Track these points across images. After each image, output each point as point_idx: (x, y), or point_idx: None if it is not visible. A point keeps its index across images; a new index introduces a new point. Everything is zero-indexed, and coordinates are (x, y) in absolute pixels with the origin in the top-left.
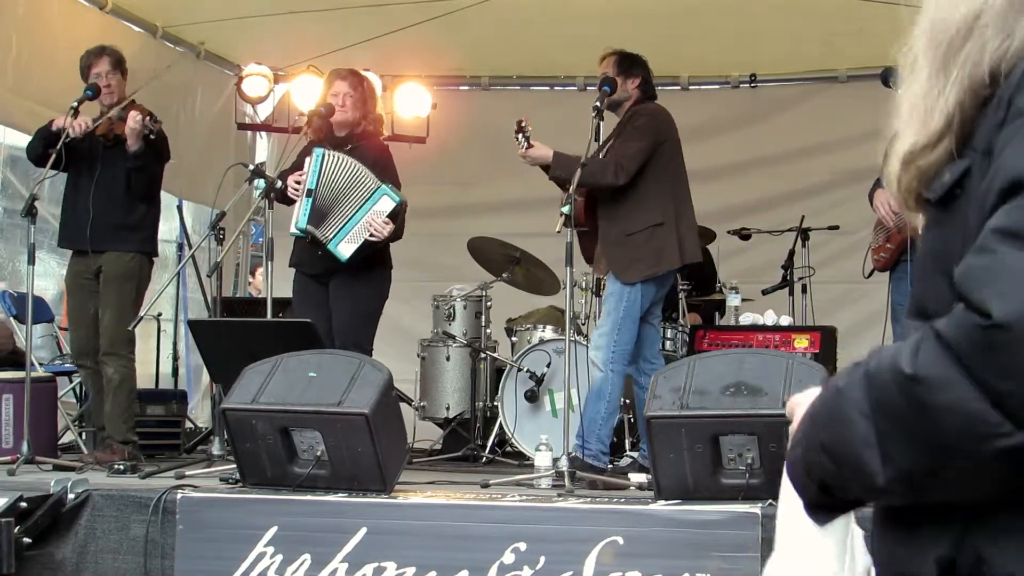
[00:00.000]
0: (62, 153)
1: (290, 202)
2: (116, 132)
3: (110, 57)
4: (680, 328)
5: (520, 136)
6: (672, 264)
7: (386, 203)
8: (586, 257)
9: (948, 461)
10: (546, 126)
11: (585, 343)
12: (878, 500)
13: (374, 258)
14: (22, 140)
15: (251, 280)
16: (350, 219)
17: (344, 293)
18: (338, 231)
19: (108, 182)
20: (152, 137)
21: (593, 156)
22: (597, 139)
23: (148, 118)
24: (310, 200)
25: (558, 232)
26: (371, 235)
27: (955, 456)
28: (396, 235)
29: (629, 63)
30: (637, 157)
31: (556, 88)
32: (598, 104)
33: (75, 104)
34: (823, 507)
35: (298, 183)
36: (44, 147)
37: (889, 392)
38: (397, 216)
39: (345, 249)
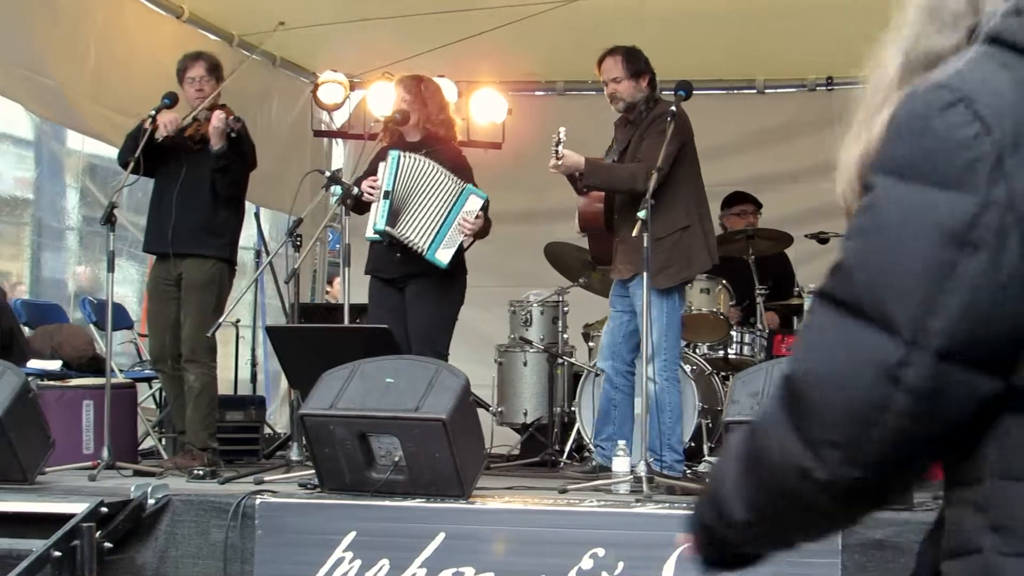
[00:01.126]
0: (140, 161)
1: (365, 210)
2: (202, 132)
3: (206, 62)
4: (758, 332)
5: (555, 147)
6: (704, 266)
7: (475, 202)
8: (597, 259)
9: (781, 499)
10: None
11: None
12: (743, 546)
13: (451, 264)
14: (101, 149)
15: (329, 290)
16: (443, 225)
17: (421, 298)
18: (433, 239)
19: (192, 185)
20: (233, 135)
21: (616, 160)
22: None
23: (231, 117)
24: (387, 202)
25: (635, 236)
26: (464, 235)
27: (784, 493)
28: (485, 231)
29: (637, 60)
30: (669, 160)
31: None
32: (673, 109)
33: (153, 112)
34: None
35: (373, 187)
36: (135, 150)
37: (747, 435)
38: (485, 212)
39: (443, 256)
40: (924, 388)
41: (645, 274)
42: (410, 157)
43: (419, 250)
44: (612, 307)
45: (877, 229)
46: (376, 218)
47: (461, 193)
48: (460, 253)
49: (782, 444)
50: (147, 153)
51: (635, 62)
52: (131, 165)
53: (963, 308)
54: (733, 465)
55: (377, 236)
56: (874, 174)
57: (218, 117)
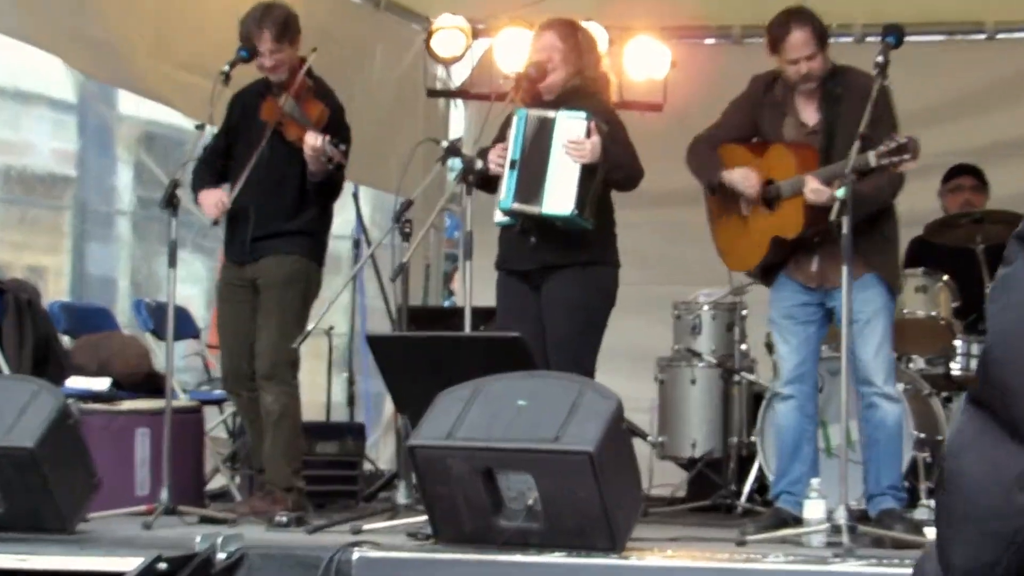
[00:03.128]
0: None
1: (493, 188)
2: (286, 133)
3: (272, 28)
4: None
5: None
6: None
7: (572, 126)
8: (729, 255)
9: None
10: None
11: None
12: None
13: (595, 253)
14: (160, 114)
15: (449, 287)
16: (547, 168)
17: (560, 297)
18: (542, 191)
19: (275, 176)
20: (332, 167)
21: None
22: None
23: (329, 141)
24: (514, 173)
25: (832, 220)
26: (574, 161)
27: None
28: (615, 163)
29: (822, 25)
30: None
31: (828, 40)
32: (880, 60)
33: (227, 69)
34: None
35: (502, 158)
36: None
37: None
38: (590, 132)
39: (562, 202)
40: None
41: (845, 270)
42: (536, 113)
43: (534, 213)
44: (791, 318)
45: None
46: (504, 194)
47: (554, 123)
48: (587, 194)
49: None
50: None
51: (822, 28)
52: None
53: None
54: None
55: (507, 219)
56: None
57: (312, 146)
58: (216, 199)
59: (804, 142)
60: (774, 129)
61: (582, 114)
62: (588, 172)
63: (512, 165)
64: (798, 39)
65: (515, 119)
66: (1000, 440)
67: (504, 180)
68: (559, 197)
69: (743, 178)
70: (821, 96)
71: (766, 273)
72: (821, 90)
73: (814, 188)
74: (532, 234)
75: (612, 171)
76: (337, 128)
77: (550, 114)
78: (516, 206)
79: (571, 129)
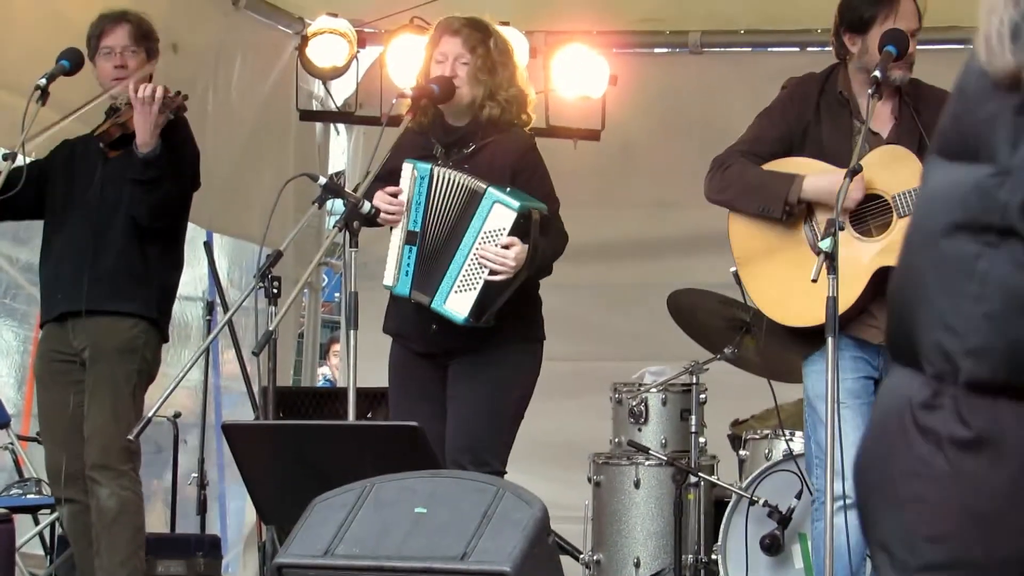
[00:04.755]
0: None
1: (379, 225)
2: (125, 130)
3: (132, 26)
4: None
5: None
6: None
7: (501, 216)
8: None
9: None
10: None
11: None
12: None
13: (514, 325)
14: None
15: (326, 363)
16: (455, 255)
17: (470, 385)
18: (442, 280)
19: (107, 213)
20: (172, 116)
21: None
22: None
23: (170, 93)
24: (413, 249)
25: (814, 281)
26: (490, 272)
27: None
28: (540, 265)
29: None
30: None
31: (810, 49)
32: (877, 74)
33: (42, 82)
34: None
35: (394, 204)
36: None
37: None
38: (527, 232)
39: (458, 305)
40: (962, 437)
41: (830, 339)
42: (447, 176)
43: (423, 302)
44: (856, 397)
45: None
46: (397, 273)
47: (480, 202)
48: (495, 299)
49: None
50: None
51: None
52: None
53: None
54: None
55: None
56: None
57: (145, 90)
58: None
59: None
60: (837, 138)
61: (516, 202)
62: (499, 284)
63: (410, 238)
64: (910, 6)
65: (416, 173)
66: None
67: (397, 254)
68: (456, 299)
69: (836, 186)
70: (900, 101)
71: (812, 334)
72: (899, 95)
73: None
74: (433, 319)
75: (535, 274)
76: (176, 128)
77: (478, 185)
78: (416, 295)
79: (498, 218)
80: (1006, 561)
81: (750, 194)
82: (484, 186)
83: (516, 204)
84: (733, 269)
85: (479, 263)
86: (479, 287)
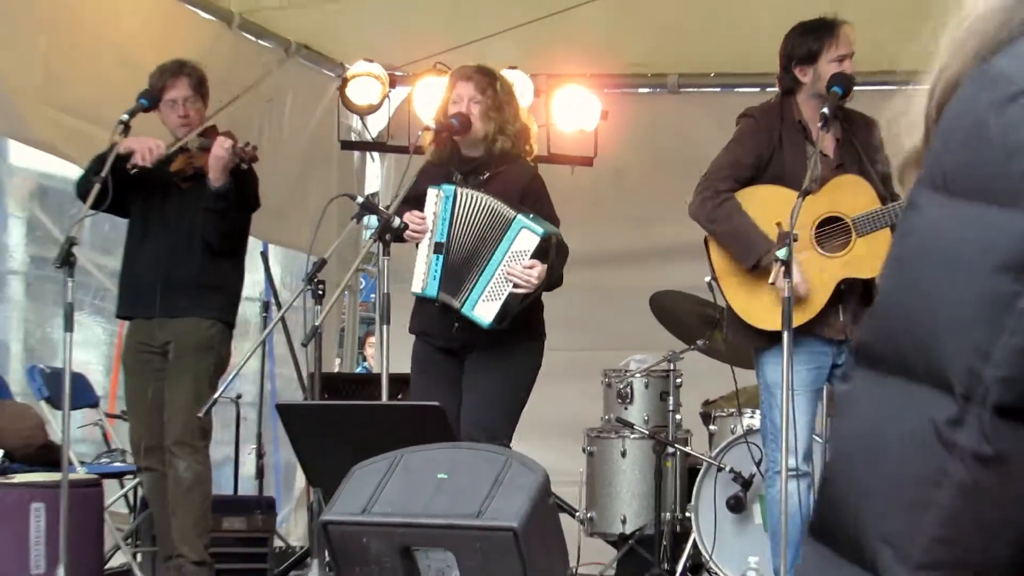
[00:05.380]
0: (107, 187)
1: (406, 241)
2: (196, 166)
3: (190, 78)
4: None
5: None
6: None
7: (526, 239)
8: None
9: None
10: None
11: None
12: None
13: (522, 325)
14: (54, 166)
15: (363, 352)
16: (485, 269)
17: (484, 374)
18: (472, 288)
19: (186, 232)
20: (244, 167)
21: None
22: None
23: (240, 144)
24: (440, 258)
25: (772, 284)
26: (515, 286)
27: None
28: (553, 281)
29: None
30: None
31: (768, 89)
32: (826, 111)
33: (125, 117)
34: None
35: (418, 228)
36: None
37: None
38: (546, 253)
39: (485, 311)
40: (987, 451)
41: (786, 333)
42: (469, 196)
43: (457, 307)
44: (809, 386)
45: (917, 259)
46: (426, 278)
47: (510, 226)
48: (516, 308)
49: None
50: (117, 182)
51: None
52: (92, 194)
53: None
54: None
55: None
56: (917, 188)
57: (222, 145)
58: (152, 143)
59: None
60: (798, 162)
61: (541, 229)
62: (520, 296)
63: (437, 248)
64: (848, 32)
65: (442, 194)
66: (913, 392)
67: (425, 262)
68: (483, 306)
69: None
70: (839, 125)
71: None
72: (836, 119)
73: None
74: (455, 317)
75: (547, 288)
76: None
77: (507, 212)
78: (443, 297)
79: (525, 241)
80: (1005, 566)
81: (732, 240)
82: (513, 213)
83: (540, 231)
84: (708, 279)
85: (505, 278)
86: (503, 298)
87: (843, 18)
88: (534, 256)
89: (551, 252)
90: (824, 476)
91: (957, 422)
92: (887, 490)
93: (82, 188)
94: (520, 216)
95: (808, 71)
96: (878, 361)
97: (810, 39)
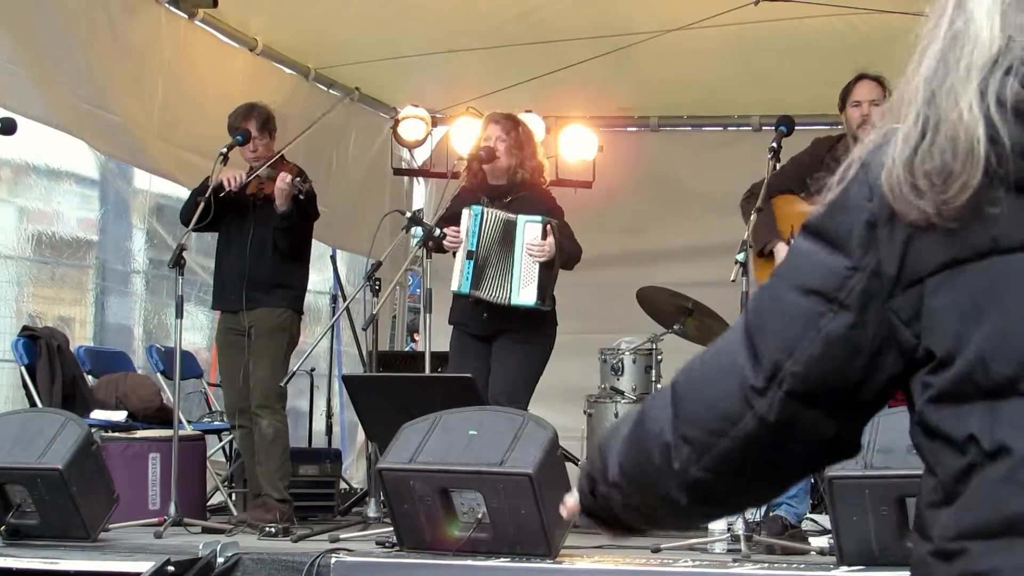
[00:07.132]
0: (211, 202)
1: (446, 250)
2: (265, 192)
3: (257, 120)
4: None
5: None
6: None
7: (532, 229)
8: None
9: (645, 473)
10: (720, 168)
11: None
12: (617, 510)
13: (539, 318)
14: (168, 188)
15: (412, 335)
16: (513, 264)
17: (508, 353)
18: (509, 286)
19: (260, 241)
20: (302, 197)
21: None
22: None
23: (298, 178)
24: (471, 263)
25: (733, 281)
26: (535, 261)
27: (649, 468)
28: (572, 254)
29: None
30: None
31: (730, 128)
32: (774, 145)
33: (224, 150)
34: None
35: (455, 240)
36: (195, 208)
37: (646, 401)
38: (546, 234)
39: (528, 295)
40: (771, 419)
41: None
42: (492, 214)
43: (503, 303)
44: None
45: (777, 273)
46: (460, 279)
47: (516, 226)
48: (547, 286)
49: (661, 421)
50: (211, 204)
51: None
52: (200, 208)
53: (817, 358)
54: (626, 426)
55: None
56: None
57: (284, 179)
58: (234, 172)
59: None
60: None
61: (539, 218)
62: (546, 267)
63: (469, 255)
64: (865, 83)
65: (472, 212)
66: (745, 356)
67: (460, 266)
68: (526, 291)
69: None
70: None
71: None
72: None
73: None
74: (484, 309)
75: (564, 262)
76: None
77: (512, 217)
78: (474, 293)
79: (531, 231)
80: (750, 495)
81: (757, 234)
82: (515, 216)
83: (539, 219)
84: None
85: (530, 258)
86: (536, 278)
87: (874, 72)
88: (542, 239)
89: (553, 231)
90: (673, 379)
91: (759, 392)
92: (704, 409)
93: (184, 215)
94: (520, 216)
95: (843, 115)
96: (749, 327)
97: (841, 93)
